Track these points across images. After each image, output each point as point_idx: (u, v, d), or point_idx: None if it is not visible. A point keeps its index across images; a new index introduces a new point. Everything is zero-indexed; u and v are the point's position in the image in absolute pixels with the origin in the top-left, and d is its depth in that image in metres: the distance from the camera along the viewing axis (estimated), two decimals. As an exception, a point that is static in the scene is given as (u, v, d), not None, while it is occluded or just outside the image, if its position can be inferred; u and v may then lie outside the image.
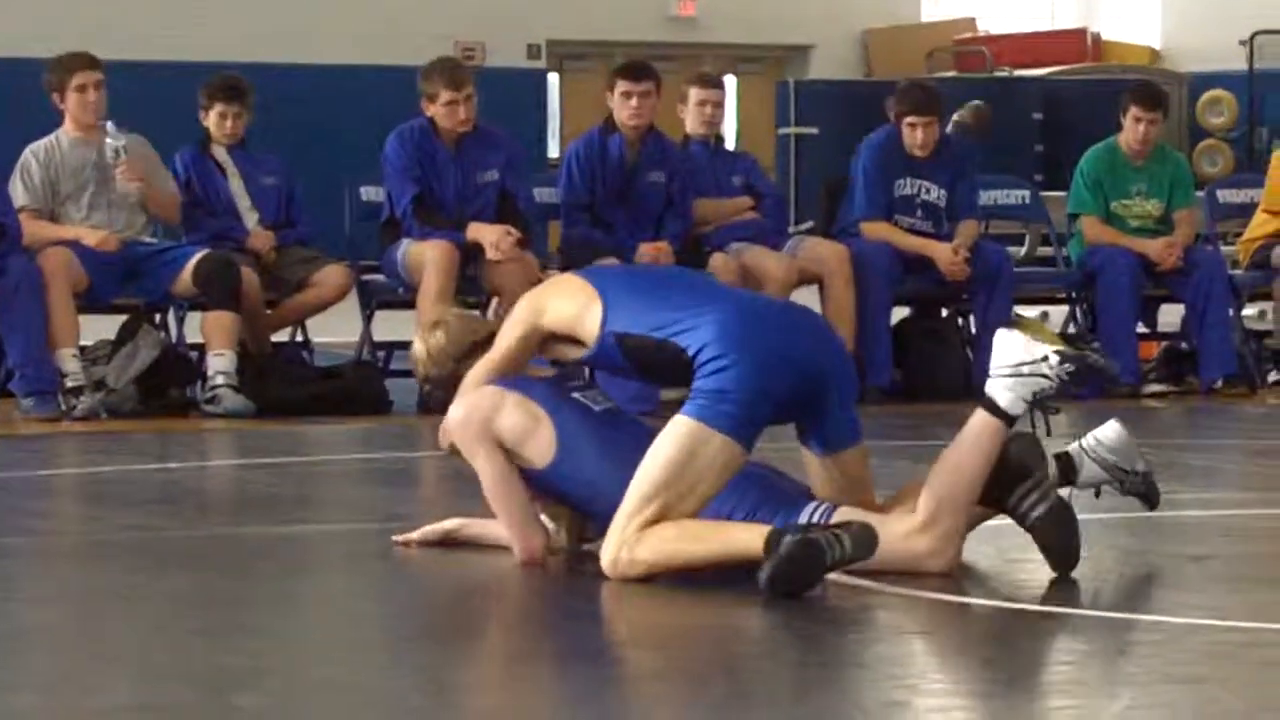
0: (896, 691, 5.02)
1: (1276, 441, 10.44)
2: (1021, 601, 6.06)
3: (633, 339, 6.05)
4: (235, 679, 5.10)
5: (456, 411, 6.21)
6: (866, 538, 5.72)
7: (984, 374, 11.00)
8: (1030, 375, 5.92)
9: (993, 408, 5.95)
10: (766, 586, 5.70)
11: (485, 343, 6.36)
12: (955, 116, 18.10)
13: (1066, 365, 5.91)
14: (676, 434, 5.90)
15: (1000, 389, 5.93)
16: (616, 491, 5.98)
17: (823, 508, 6.01)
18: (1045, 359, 5.90)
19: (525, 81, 23.35)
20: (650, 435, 6.08)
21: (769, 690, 5.00)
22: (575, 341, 6.19)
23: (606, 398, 6.31)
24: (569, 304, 6.22)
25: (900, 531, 6.00)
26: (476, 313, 9.86)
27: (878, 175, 11.60)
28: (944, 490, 6.02)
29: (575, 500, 6.25)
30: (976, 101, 19.72)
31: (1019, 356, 5.94)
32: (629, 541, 5.88)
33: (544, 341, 6.29)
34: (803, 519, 5.97)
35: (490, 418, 6.12)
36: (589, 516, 6.26)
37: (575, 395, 6.23)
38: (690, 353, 5.94)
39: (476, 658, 5.64)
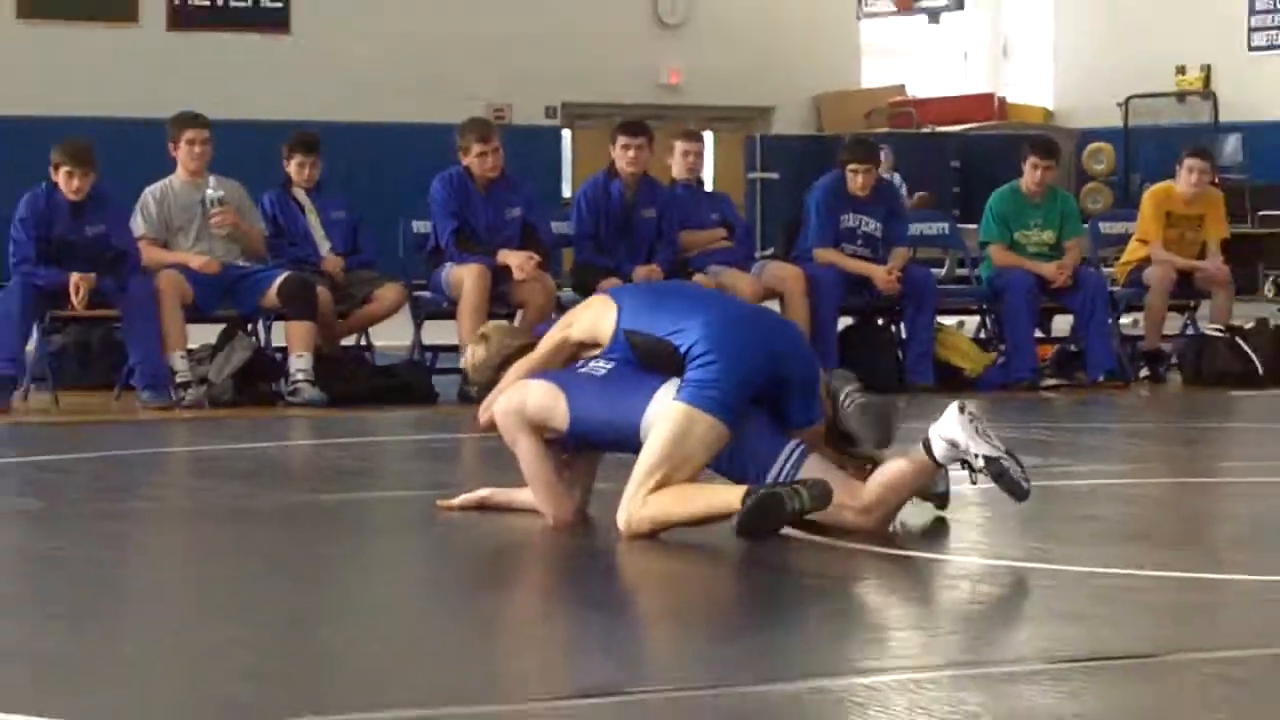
0: (836, 623, 5.06)
1: (1146, 425, 10.47)
2: (945, 554, 6.09)
3: (637, 335, 6.21)
4: (315, 618, 5.12)
5: (500, 403, 6.29)
6: (822, 492, 5.83)
7: (913, 375, 11.20)
8: (960, 456, 6.00)
9: (930, 455, 6.05)
10: (737, 531, 5.84)
11: (518, 354, 6.48)
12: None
13: (989, 468, 5.98)
14: (673, 417, 6.00)
15: (939, 448, 6.01)
16: (629, 420, 6.12)
17: (798, 451, 6.12)
18: (977, 456, 5.96)
19: (544, 136, 23.35)
20: (649, 375, 6.23)
21: (742, 624, 5.04)
22: (599, 345, 6.34)
23: (609, 360, 6.35)
24: (591, 314, 6.47)
25: (848, 507, 6.10)
26: (511, 324, 9.89)
27: (826, 211, 11.58)
28: (884, 496, 6.17)
29: (601, 442, 6.36)
30: (922, 193, 19.75)
31: (960, 439, 5.97)
32: (637, 505, 5.99)
33: (576, 350, 6.43)
34: (779, 460, 6.10)
35: (522, 406, 6.20)
36: (620, 450, 6.35)
37: (581, 370, 6.33)
38: (682, 350, 6.07)
39: (511, 601, 5.66)
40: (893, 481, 6.18)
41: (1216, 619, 5.10)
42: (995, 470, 5.97)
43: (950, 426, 6.02)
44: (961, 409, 6.00)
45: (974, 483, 6.11)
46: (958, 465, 6.05)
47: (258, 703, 4.02)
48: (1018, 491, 6.01)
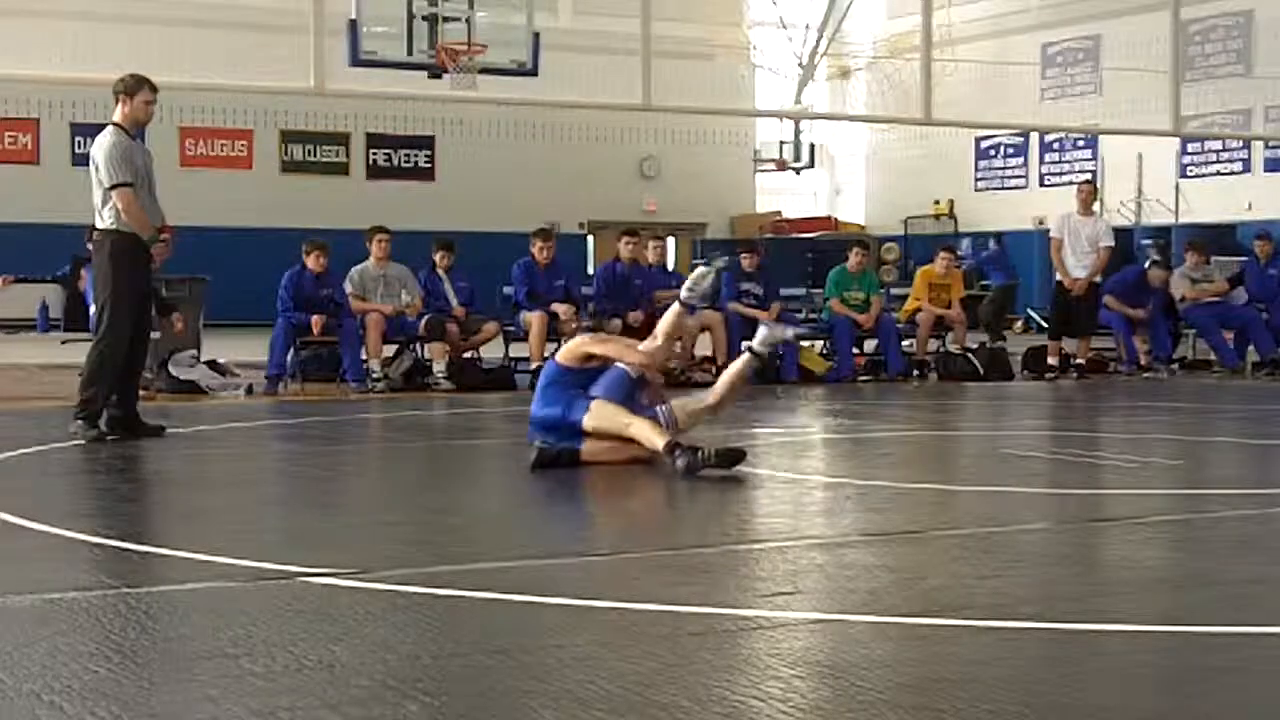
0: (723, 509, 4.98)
1: (918, 402, 10.46)
2: (800, 474, 6.01)
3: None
4: (444, 509, 5.09)
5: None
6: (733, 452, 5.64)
7: (786, 374, 11.02)
8: (771, 339, 6.12)
9: (751, 351, 6.06)
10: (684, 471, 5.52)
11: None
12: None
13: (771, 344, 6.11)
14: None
15: (758, 345, 6.06)
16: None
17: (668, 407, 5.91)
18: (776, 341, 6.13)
19: (578, 239, 23.43)
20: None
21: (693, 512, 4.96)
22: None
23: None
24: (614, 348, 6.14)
25: (706, 407, 6.03)
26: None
27: (733, 281, 11.60)
28: (726, 392, 6.05)
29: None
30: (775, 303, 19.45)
31: (767, 338, 6.10)
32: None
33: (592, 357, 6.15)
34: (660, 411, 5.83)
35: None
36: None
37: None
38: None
39: (557, 497, 5.60)
40: (730, 380, 6.04)
41: (956, 511, 5.07)
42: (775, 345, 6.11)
43: (762, 333, 6.08)
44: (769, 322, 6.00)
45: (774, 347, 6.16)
46: (771, 347, 6.08)
47: (413, 557, 3.99)
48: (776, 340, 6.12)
